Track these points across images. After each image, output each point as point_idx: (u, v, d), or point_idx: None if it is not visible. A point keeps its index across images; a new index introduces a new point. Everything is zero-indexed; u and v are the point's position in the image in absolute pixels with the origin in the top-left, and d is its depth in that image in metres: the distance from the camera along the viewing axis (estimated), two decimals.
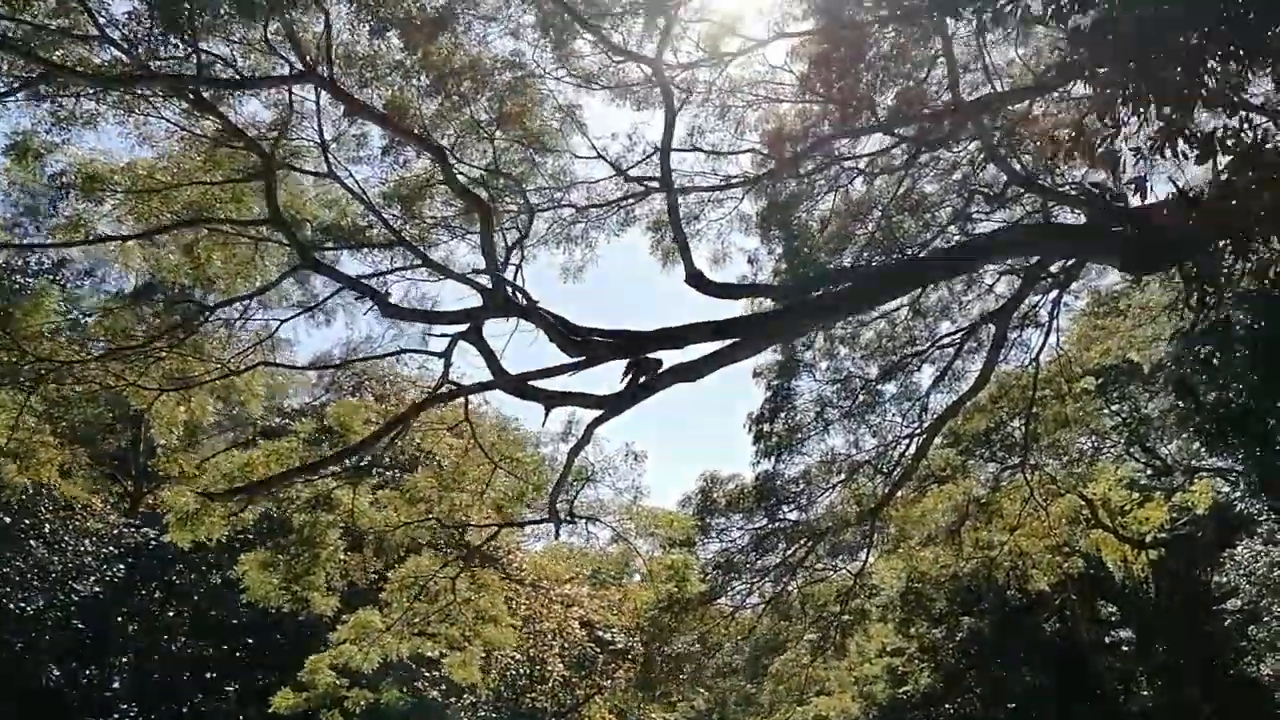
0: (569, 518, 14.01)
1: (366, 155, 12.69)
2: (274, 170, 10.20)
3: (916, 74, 17.40)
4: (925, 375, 22.20)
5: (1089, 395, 25.39)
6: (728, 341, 10.24)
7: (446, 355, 11.96)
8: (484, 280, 10.73)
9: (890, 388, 22.11)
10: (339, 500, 13.96)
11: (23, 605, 30.43)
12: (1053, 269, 21.25)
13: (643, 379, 10.96)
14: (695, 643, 19.28)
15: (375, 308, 11.67)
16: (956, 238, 21.15)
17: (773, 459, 20.35)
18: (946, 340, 21.94)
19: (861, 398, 21.71)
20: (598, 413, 11.47)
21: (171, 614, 33.09)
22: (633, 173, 14.76)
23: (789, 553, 20.42)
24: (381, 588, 16.09)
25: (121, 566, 31.61)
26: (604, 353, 10.47)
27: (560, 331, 10.37)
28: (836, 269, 14.98)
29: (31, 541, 31.39)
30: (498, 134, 13.16)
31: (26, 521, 30.31)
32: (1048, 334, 21.90)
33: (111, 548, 31.64)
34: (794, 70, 16.34)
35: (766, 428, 20.38)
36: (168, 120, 11.34)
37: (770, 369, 20.67)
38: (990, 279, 21.58)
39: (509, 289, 10.56)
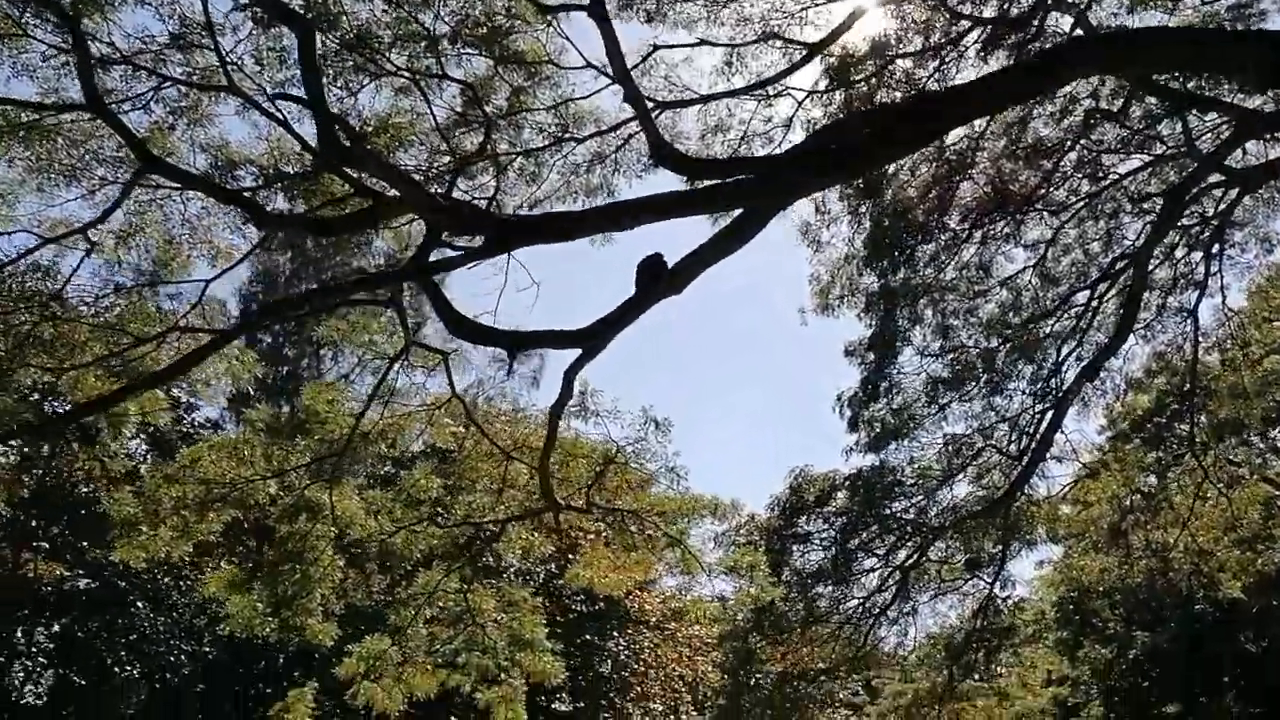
0: (586, 507, 11.39)
1: (294, 77, 10.67)
2: (83, 40, 8.14)
3: None
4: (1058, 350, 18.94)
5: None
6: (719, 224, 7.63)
7: (396, 301, 9.72)
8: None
9: (1017, 366, 18.93)
10: (320, 503, 11.79)
11: (128, 669, 29.70)
12: (1206, 211, 18.02)
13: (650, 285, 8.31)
14: (794, 669, 16.33)
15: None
16: (1083, 183, 18.21)
17: (878, 448, 17.41)
18: (1081, 302, 18.74)
19: (983, 375, 18.57)
20: (575, 356, 9.03)
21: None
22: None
23: (906, 559, 17.36)
24: (386, 609, 13.83)
25: None
26: (496, 232, 7.90)
27: (435, 203, 7.88)
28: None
29: (139, 603, 30.71)
30: (464, 51, 10.98)
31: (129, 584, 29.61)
32: (1203, 292, 18.48)
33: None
34: None
35: (866, 412, 17.46)
36: (40, 40, 9.53)
37: (862, 345, 17.76)
38: (1133, 233, 18.33)
39: (338, 130, 8.11)
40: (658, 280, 8.22)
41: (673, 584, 33.42)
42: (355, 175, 8.95)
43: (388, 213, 8.66)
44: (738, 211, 7.89)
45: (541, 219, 8.30)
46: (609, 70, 9.17)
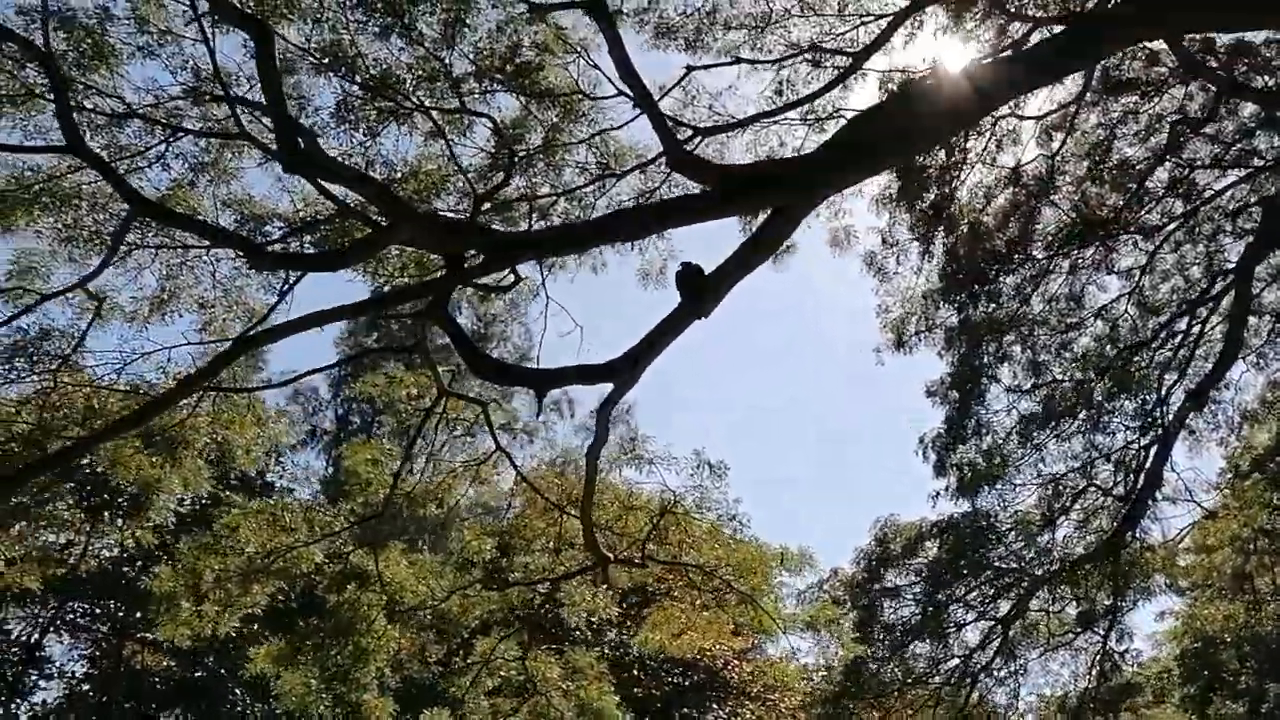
0: (641, 561, 10.61)
1: (315, 124, 10.35)
2: (61, 82, 7.81)
3: None
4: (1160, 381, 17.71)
5: None
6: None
7: (420, 348, 9.21)
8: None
9: (1117, 400, 17.71)
10: (368, 571, 11.23)
11: None
12: None
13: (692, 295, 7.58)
14: None
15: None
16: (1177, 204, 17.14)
17: (969, 492, 16.27)
18: (1183, 329, 17.57)
19: (1081, 411, 17.38)
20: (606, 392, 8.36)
21: None
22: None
23: (1008, 611, 16.12)
24: (441, 680, 13.08)
25: None
26: (498, 247, 7.27)
27: (415, 214, 7.27)
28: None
29: (237, 690, 30.50)
30: (491, 89, 10.57)
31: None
32: None
33: None
34: None
35: (953, 455, 16.38)
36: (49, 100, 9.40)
37: (944, 384, 16.74)
38: (1234, 255, 17.13)
39: (299, 136, 7.54)
40: (699, 290, 7.52)
41: (773, 651, 32.07)
42: (367, 213, 8.49)
43: (389, 239, 8.14)
44: (764, 218, 7.18)
45: (546, 231, 7.75)
46: (629, 91, 8.55)
